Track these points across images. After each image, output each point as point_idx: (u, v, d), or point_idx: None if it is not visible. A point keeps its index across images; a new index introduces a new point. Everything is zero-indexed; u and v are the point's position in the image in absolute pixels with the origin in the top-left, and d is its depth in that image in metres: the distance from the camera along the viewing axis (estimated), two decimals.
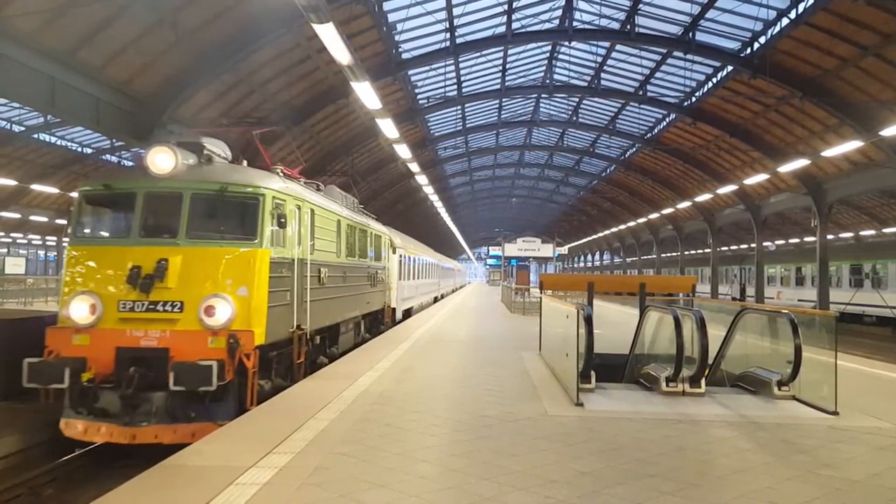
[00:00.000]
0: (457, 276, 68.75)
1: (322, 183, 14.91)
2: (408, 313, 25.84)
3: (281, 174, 10.67)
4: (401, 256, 23.34)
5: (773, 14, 21.85)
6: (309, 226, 11.08)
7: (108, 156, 33.70)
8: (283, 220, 9.46)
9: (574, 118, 38.72)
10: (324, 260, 11.93)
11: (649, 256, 62.12)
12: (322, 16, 9.60)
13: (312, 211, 11.33)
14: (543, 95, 35.01)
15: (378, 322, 19.39)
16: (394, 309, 21.76)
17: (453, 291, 58.56)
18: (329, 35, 10.45)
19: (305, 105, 23.82)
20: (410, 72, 26.86)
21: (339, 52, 11.29)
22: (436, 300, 40.00)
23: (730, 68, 26.08)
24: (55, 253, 58.80)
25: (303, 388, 9.13)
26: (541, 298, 15.33)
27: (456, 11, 23.11)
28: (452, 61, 26.87)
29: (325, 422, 7.11)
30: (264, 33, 17.85)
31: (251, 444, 6.18)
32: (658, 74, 29.39)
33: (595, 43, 27.58)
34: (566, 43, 27.21)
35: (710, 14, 23.01)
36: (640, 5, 23.66)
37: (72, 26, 13.83)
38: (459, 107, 34.55)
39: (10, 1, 12.24)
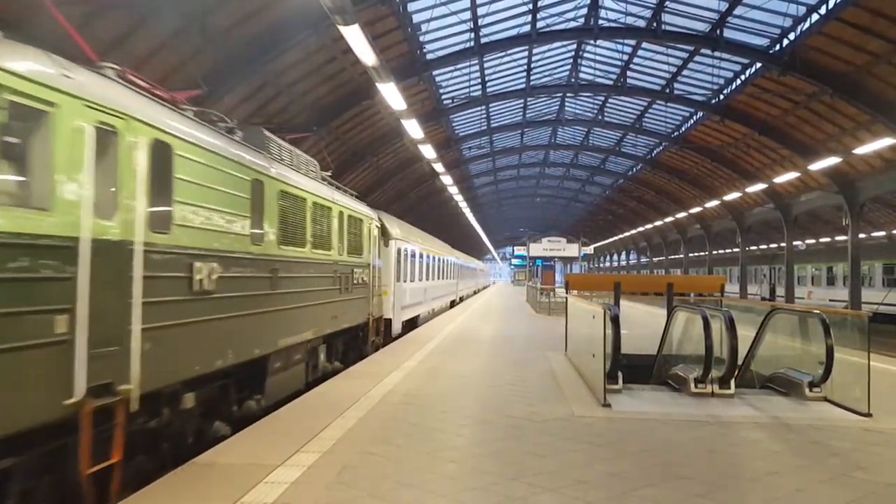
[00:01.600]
0: (479, 276, 66.14)
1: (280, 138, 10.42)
2: (413, 324, 21.29)
3: (116, 78, 5.87)
4: (399, 251, 18.71)
5: (802, 10, 21.55)
6: (149, 173, 5.70)
7: None
8: (15, 142, 4.46)
9: (600, 117, 38.46)
10: (207, 247, 6.69)
11: (676, 256, 61.50)
12: (348, 17, 9.65)
13: (166, 147, 6.02)
14: (569, 94, 34.85)
15: (359, 341, 14.27)
16: (389, 320, 17.05)
17: (475, 293, 56.07)
18: (355, 36, 10.51)
19: (331, 106, 23.96)
20: (435, 72, 26.88)
21: (365, 53, 11.34)
22: (453, 304, 35.95)
23: (758, 65, 25.74)
24: None
25: (330, 388, 9.20)
26: (566, 299, 15.27)
27: (480, 11, 23.09)
28: (477, 61, 26.86)
29: (353, 420, 7.16)
30: (291, 35, 18.02)
31: (279, 442, 6.24)
32: (685, 72, 29.09)
33: (621, 41, 27.39)
34: (592, 41, 27.04)
35: (738, 10, 22.73)
36: (667, 2, 23.44)
37: (103, 30, 14.06)
38: (484, 107, 34.50)
39: (43, 6, 12.48)
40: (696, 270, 57.49)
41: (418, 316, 22.66)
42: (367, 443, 6.30)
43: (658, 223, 54.13)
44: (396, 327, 17.89)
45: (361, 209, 14.24)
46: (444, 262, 31.22)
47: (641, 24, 25.15)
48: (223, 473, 5.37)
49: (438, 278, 29.09)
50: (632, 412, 7.91)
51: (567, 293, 15.94)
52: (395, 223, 19.49)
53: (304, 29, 17.94)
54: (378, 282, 15.60)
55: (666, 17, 24.11)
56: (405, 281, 19.76)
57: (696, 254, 58.80)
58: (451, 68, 26.92)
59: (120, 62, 6.30)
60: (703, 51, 25.85)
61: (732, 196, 37.41)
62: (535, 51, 28.48)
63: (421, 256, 23.39)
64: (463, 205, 40.02)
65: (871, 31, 19.92)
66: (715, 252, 54.35)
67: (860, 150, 23.08)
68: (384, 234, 17.15)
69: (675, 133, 37.64)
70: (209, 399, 7.18)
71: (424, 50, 24.21)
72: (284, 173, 9.35)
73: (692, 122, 35.28)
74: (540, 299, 29.61)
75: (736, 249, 47.16)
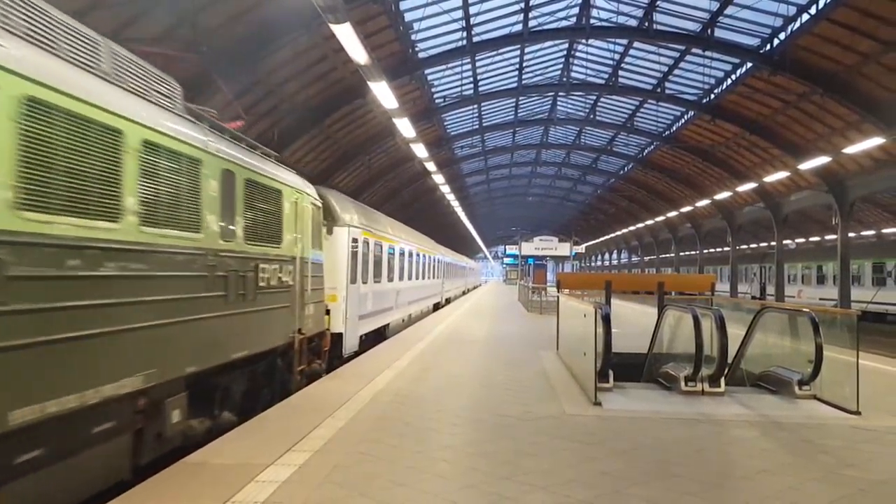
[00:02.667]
0: (469, 274, 63.35)
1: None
2: (380, 335, 17.19)
3: None
4: (357, 242, 14.26)
5: (792, 10, 21.69)
6: None
7: None
8: None
9: (591, 116, 38.59)
10: None
11: (667, 255, 61.74)
12: (339, 16, 9.63)
13: None
14: (560, 94, 34.93)
15: (279, 372, 9.31)
16: (338, 335, 12.84)
17: (464, 293, 52.97)
18: (346, 35, 10.48)
19: (323, 105, 23.91)
20: (427, 71, 26.89)
21: (356, 52, 11.31)
22: (437, 307, 32.11)
23: (749, 65, 25.89)
24: None
25: (321, 388, 9.17)
26: (558, 297, 15.29)
27: (472, 10, 23.13)
28: (469, 60, 26.88)
29: (344, 420, 7.14)
30: (282, 34, 17.96)
31: (270, 442, 6.22)
32: (676, 71, 29.23)
33: (613, 41, 27.48)
34: (583, 41, 27.14)
35: (729, 10, 22.88)
36: (658, 2, 23.55)
37: (93, 27, 13.97)
38: (476, 106, 34.55)
39: None
40: (687, 269, 57.72)
41: (387, 326, 18.21)
42: (358, 442, 6.29)
43: (649, 222, 54.33)
44: (351, 343, 13.61)
45: (280, 175, 9.17)
46: (425, 258, 26.89)
47: (633, 23, 25.26)
48: (214, 472, 5.34)
49: (417, 278, 24.74)
50: (623, 411, 7.92)
51: (559, 292, 15.96)
52: (351, 205, 15.02)
53: (296, 28, 17.89)
54: (311, 283, 10.31)
55: (657, 17, 24.25)
56: (365, 281, 15.23)
57: (686, 253, 59.05)
58: (443, 67, 26.94)
59: None
60: (694, 50, 26.01)
61: (723, 195, 37.59)
62: (526, 50, 28.55)
63: (391, 250, 18.83)
64: (455, 204, 40.05)
65: (861, 31, 20.06)
66: (706, 251, 54.61)
67: (850, 150, 23.21)
68: (329, 217, 12.87)
69: (667, 132, 37.80)
70: None
71: (416, 49, 24.20)
72: (46, 65, 4.54)
73: (683, 121, 35.45)
74: (531, 298, 29.67)
75: (726, 248, 47.37)
